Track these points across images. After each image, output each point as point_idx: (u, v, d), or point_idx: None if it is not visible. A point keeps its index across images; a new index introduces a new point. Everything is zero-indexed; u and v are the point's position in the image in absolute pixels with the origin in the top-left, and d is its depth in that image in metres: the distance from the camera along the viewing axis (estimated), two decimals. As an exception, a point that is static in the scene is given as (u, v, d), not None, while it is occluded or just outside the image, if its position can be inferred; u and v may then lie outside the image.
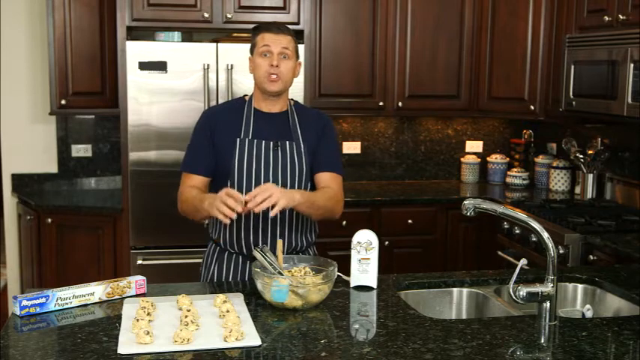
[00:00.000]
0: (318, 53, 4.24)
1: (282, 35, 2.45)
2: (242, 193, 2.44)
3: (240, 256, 2.51)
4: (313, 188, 2.55)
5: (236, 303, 2.05)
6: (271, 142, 2.47)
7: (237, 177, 2.46)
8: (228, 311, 1.94)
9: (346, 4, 4.24)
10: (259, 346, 1.76)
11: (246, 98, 2.58)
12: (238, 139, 2.47)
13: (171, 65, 3.85)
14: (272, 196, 2.20)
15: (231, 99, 2.86)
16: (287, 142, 2.49)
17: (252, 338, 1.78)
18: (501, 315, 2.11)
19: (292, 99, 2.62)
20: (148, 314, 1.92)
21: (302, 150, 2.50)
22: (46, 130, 4.47)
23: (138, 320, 1.84)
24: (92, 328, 1.87)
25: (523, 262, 1.96)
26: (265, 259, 2.09)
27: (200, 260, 2.68)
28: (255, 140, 2.47)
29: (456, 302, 2.35)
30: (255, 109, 2.52)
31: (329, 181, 2.53)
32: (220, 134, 2.49)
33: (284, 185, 2.45)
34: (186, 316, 1.87)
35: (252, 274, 2.06)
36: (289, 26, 2.54)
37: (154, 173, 3.92)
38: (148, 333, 1.75)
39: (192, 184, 2.51)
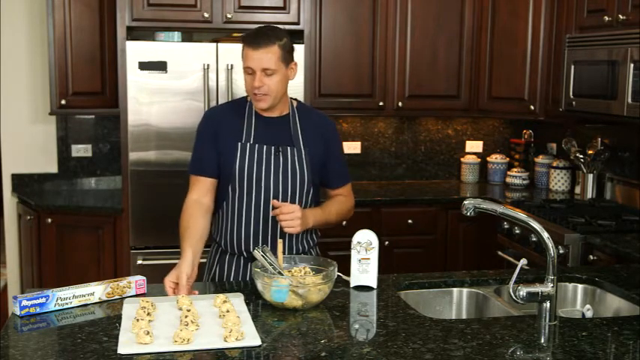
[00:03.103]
0: (318, 53, 4.24)
1: (263, 50, 2.34)
2: (243, 198, 2.46)
3: (242, 258, 2.51)
4: (315, 192, 2.57)
5: (236, 303, 2.05)
6: (272, 147, 2.46)
7: (238, 181, 2.45)
8: (228, 311, 1.94)
9: (346, 4, 4.24)
10: (259, 346, 1.76)
11: (248, 99, 2.56)
12: (240, 144, 2.45)
13: (171, 65, 3.85)
14: (294, 220, 2.33)
15: (233, 99, 2.86)
16: (288, 148, 2.48)
17: (252, 338, 1.78)
18: (501, 315, 2.11)
19: (295, 99, 2.60)
20: (148, 314, 1.92)
21: (303, 155, 2.49)
22: (46, 130, 4.47)
23: (138, 320, 1.84)
24: (92, 328, 1.87)
25: (523, 262, 1.96)
26: (265, 259, 2.09)
27: (200, 260, 2.67)
28: (257, 145, 2.46)
29: (456, 302, 2.35)
30: (256, 112, 2.51)
31: (341, 191, 2.63)
32: (223, 136, 2.48)
33: (285, 191, 2.45)
34: (186, 316, 1.87)
35: (252, 274, 2.06)
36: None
37: (154, 173, 3.92)
38: (148, 333, 1.75)
39: (200, 190, 2.48)
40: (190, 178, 2.53)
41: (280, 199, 2.44)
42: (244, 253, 2.49)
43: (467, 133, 4.85)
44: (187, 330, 1.78)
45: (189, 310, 1.92)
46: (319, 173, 2.54)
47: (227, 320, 1.86)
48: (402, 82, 4.36)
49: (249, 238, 2.48)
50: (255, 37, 2.38)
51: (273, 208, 2.39)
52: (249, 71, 2.40)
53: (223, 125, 2.49)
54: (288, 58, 2.42)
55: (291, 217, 2.33)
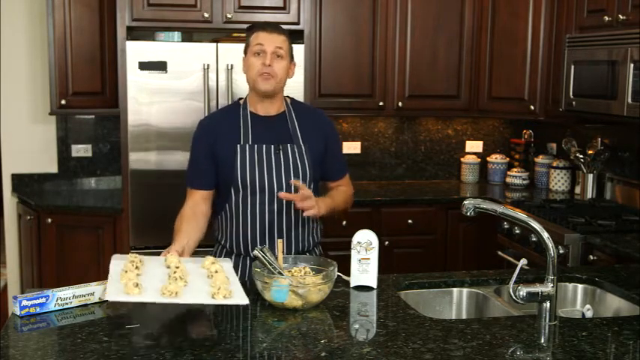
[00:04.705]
0: (318, 53, 4.24)
1: (276, 34, 2.44)
2: (247, 198, 2.48)
3: (248, 258, 2.51)
4: (316, 187, 2.59)
5: (225, 267, 2.10)
6: (272, 146, 2.47)
7: (240, 183, 2.45)
8: (217, 271, 1.98)
9: (346, 4, 4.24)
10: (247, 304, 1.80)
11: (241, 102, 2.57)
12: (239, 146, 2.46)
13: (171, 65, 3.85)
14: (312, 204, 2.36)
15: (225, 105, 2.87)
16: (288, 145, 2.49)
17: (239, 297, 1.80)
18: (501, 315, 2.11)
19: (288, 96, 2.61)
20: (137, 268, 1.95)
21: (303, 152, 2.50)
22: (46, 130, 4.47)
23: (126, 272, 1.86)
24: (92, 328, 1.87)
25: (523, 262, 1.96)
26: (265, 259, 2.09)
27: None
28: (256, 145, 2.46)
29: (456, 302, 2.35)
30: (252, 112, 2.51)
31: (341, 182, 2.68)
32: (220, 143, 2.48)
33: (288, 189, 2.46)
34: (175, 272, 1.90)
35: (252, 274, 2.07)
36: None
37: (154, 173, 3.92)
38: (137, 285, 1.77)
39: (195, 199, 2.52)
40: (187, 189, 2.56)
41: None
42: (250, 253, 2.49)
43: (467, 133, 4.85)
44: (176, 284, 1.79)
45: (177, 267, 1.95)
46: (320, 167, 2.56)
47: (216, 279, 1.91)
48: (402, 82, 4.36)
49: (255, 238, 2.49)
50: (268, 24, 2.50)
51: (280, 200, 2.43)
52: (259, 51, 2.42)
53: (219, 132, 2.50)
54: (291, 54, 2.50)
55: (310, 201, 2.36)
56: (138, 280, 1.84)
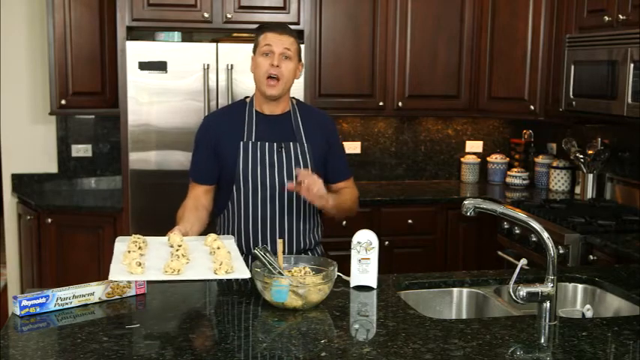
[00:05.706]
0: (318, 53, 4.24)
1: (285, 36, 2.45)
2: (249, 196, 2.49)
3: (249, 257, 2.51)
4: None
5: (227, 243, 2.13)
6: (275, 144, 2.48)
7: (242, 180, 2.46)
8: (219, 248, 2.02)
9: (346, 4, 4.24)
10: (247, 278, 1.84)
11: (247, 100, 2.58)
12: (242, 143, 2.47)
13: (171, 65, 3.85)
14: (319, 189, 2.31)
15: (231, 102, 2.89)
16: (291, 144, 2.50)
17: (241, 272, 1.82)
18: (501, 315, 2.11)
19: (294, 97, 2.62)
20: (140, 248, 1.97)
21: (306, 151, 2.51)
22: (46, 130, 4.47)
23: (130, 252, 1.88)
24: (92, 328, 1.87)
25: (523, 262, 1.96)
26: (265, 259, 2.09)
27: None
28: (259, 143, 2.48)
29: (456, 302, 2.35)
30: (257, 111, 2.53)
31: (345, 184, 2.67)
32: (223, 141, 2.50)
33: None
34: (177, 250, 1.92)
35: (252, 274, 2.07)
36: (289, 26, 2.56)
37: (154, 173, 3.92)
38: (140, 264, 1.78)
39: (197, 192, 2.55)
40: (190, 182, 2.59)
41: (285, 196, 2.46)
42: (252, 252, 2.50)
43: (467, 133, 4.85)
44: (178, 261, 1.81)
45: (180, 246, 1.97)
46: (322, 168, 2.56)
47: (218, 255, 1.93)
48: (402, 82, 4.36)
49: (257, 236, 2.50)
50: (277, 25, 2.51)
51: (282, 198, 2.43)
52: (267, 52, 2.43)
53: (223, 129, 2.52)
54: (299, 55, 2.52)
55: (318, 184, 2.32)
56: (141, 259, 1.86)
